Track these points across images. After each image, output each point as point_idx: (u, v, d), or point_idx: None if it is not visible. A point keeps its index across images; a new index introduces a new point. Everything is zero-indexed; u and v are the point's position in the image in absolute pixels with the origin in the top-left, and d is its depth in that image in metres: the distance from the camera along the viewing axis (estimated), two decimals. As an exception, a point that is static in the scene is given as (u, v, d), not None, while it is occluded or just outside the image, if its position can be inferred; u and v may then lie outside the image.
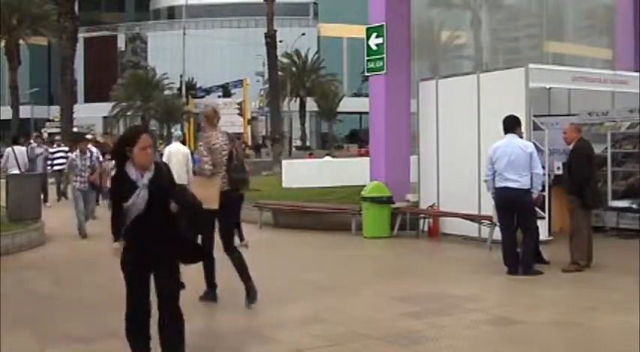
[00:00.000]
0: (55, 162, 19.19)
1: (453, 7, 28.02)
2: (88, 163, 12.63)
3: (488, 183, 8.80)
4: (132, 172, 4.51)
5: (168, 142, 27.32)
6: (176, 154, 10.68)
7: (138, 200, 4.45)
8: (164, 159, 10.22)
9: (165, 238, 4.53)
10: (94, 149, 16.49)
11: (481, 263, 9.63)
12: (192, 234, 4.89)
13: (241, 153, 7.42)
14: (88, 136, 19.63)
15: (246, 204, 14.90)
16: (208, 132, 7.17)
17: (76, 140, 19.27)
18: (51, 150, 19.80)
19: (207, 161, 6.93)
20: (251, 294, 6.91)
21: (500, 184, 8.59)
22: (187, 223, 4.64)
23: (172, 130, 53.38)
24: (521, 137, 8.88)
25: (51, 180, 19.80)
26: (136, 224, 4.48)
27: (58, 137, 23.29)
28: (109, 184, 12.30)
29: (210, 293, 7.23)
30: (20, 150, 15.83)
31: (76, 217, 12.45)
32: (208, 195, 6.52)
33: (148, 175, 4.52)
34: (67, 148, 20.10)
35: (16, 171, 14.80)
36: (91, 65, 72.09)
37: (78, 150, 12.89)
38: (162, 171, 4.64)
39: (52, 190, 19.19)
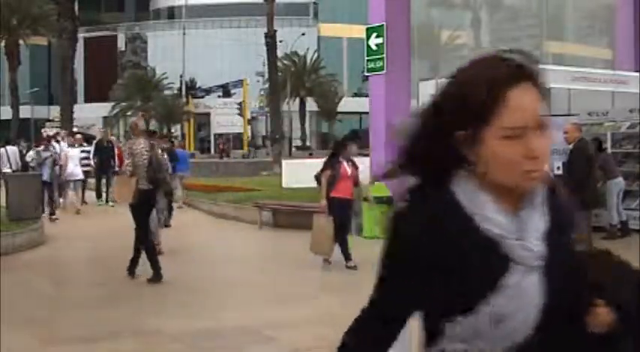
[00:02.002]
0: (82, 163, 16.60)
1: (453, 7, 28.06)
2: None
3: None
4: (490, 213, 1.43)
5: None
6: None
7: (521, 301, 1.42)
8: None
9: None
10: (58, 145, 16.51)
11: (481, 263, 9.61)
12: None
13: (161, 158, 8.75)
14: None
15: (246, 204, 15.05)
16: (132, 139, 8.59)
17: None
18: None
19: (127, 163, 8.32)
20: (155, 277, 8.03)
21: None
22: None
23: (172, 131, 53.50)
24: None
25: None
26: None
27: (79, 136, 19.72)
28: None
29: (157, 276, 8.09)
30: (12, 150, 16.54)
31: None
32: (125, 192, 8.29)
33: (539, 224, 1.46)
34: (89, 148, 17.92)
35: (9, 170, 15.05)
36: (91, 65, 71.87)
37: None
38: (569, 212, 1.58)
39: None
